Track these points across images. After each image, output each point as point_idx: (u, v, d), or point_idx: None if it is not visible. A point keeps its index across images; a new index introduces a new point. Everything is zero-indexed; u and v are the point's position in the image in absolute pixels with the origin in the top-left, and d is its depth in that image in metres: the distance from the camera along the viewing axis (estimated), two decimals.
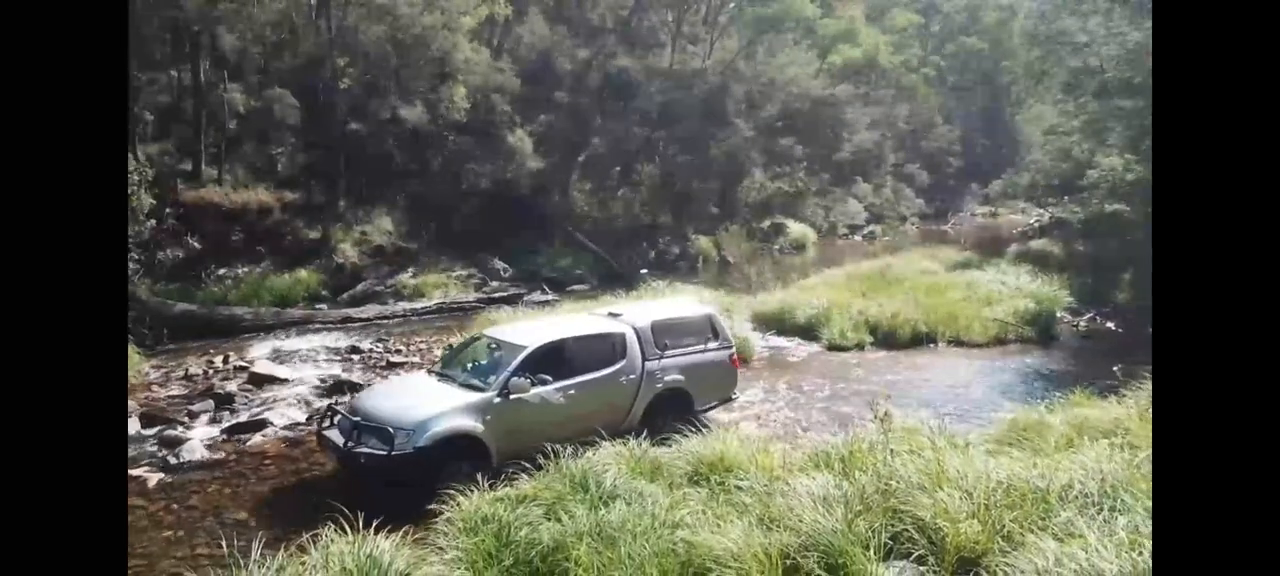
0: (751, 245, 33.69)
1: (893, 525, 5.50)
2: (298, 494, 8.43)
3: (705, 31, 38.42)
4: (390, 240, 23.91)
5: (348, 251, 22.67)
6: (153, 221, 19.85)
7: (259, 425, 10.50)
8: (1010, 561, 4.90)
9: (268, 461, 9.39)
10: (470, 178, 26.06)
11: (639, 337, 9.37)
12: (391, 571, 4.96)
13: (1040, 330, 16.27)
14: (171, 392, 12.41)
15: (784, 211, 38.18)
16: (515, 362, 8.35)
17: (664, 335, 9.62)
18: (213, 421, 10.76)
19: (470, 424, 7.89)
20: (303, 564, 4.88)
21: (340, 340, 16.61)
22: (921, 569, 5.23)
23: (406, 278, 22.61)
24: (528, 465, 7.37)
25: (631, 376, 9.21)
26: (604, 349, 9.21)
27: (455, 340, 12.59)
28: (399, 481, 7.47)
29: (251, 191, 22.55)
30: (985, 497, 5.61)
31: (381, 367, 14.10)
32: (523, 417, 8.16)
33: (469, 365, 9.14)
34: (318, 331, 17.78)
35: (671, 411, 9.13)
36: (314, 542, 5.08)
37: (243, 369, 13.72)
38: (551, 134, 30.02)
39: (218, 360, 14.37)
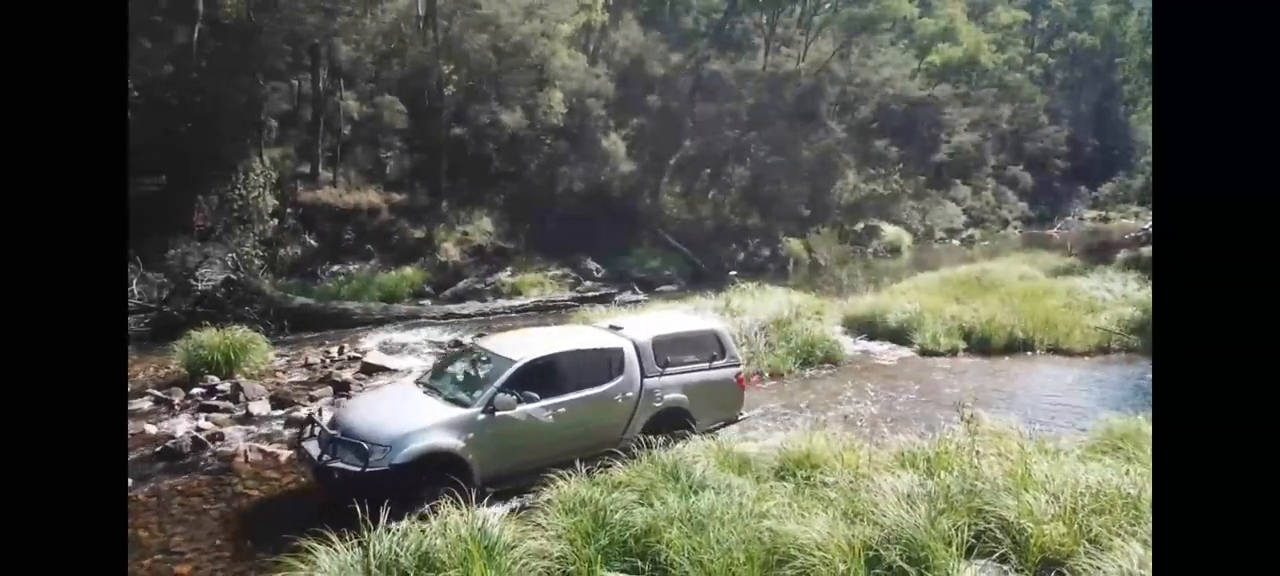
0: (843, 248, 33.37)
1: (976, 524, 5.63)
2: None
3: (799, 33, 38.24)
4: (489, 240, 24.96)
5: (450, 250, 23.80)
6: (275, 220, 21.45)
7: None
8: (1095, 563, 4.98)
9: None
10: (565, 180, 26.89)
11: (638, 353, 8.87)
12: (499, 542, 5.45)
13: (1147, 339, 15.64)
14: (294, 379, 13.44)
15: (878, 214, 37.60)
16: (502, 378, 7.89)
17: (665, 351, 9.11)
18: (332, 405, 11.64)
19: (450, 441, 7.45)
20: (423, 531, 5.43)
21: (443, 334, 17.52)
22: (1004, 567, 5.35)
23: (504, 276, 23.54)
24: (513, 487, 7.55)
25: (628, 394, 8.68)
26: (599, 364, 8.65)
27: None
28: (373, 499, 6.89)
29: (362, 193, 23.98)
30: (1072, 501, 5.67)
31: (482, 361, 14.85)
32: (508, 436, 7.72)
33: (459, 377, 8.60)
34: (422, 326, 18.75)
35: (670, 432, 8.55)
36: (433, 511, 5.65)
37: (355, 359, 14.69)
38: (643, 137, 30.59)
39: (334, 350, 15.41)
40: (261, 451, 9.51)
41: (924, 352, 15.09)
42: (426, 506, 6.81)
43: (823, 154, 32.80)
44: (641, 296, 22.84)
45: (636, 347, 8.89)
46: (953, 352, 15.08)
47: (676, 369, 9.12)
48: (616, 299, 22.12)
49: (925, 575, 5.12)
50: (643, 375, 8.81)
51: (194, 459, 9.36)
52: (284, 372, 13.86)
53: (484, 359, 8.63)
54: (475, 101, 25.91)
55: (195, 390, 12.08)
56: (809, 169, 33.09)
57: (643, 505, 6.27)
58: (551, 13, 25.90)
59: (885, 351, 15.49)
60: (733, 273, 26.46)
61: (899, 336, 15.90)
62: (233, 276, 18.44)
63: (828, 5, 39.21)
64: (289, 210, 22.26)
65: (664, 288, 24.77)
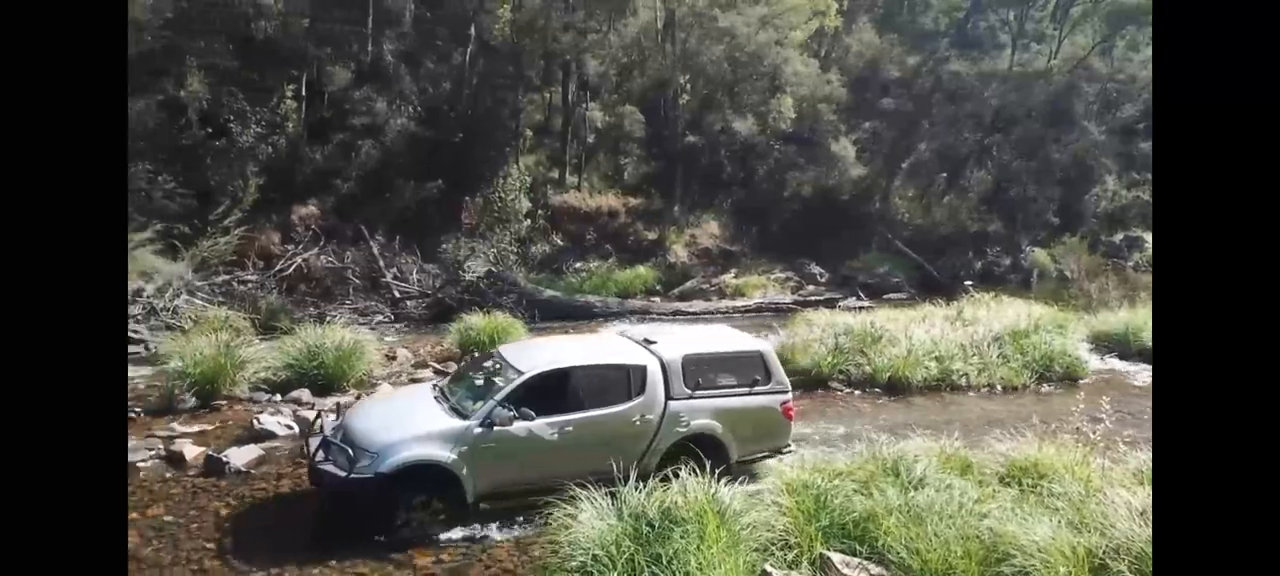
0: (1095, 259, 30.54)
1: None
2: None
3: (1052, 28, 35.47)
4: (716, 243, 25.96)
5: (679, 252, 25.10)
6: (528, 221, 23.88)
7: None
8: None
9: None
10: (792, 184, 27.23)
11: (665, 372, 8.11)
12: (730, 509, 6.14)
13: None
14: None
15: (1142, 223, 33.85)
16: (505, 390, 7.47)
17: (698, 371, 8.29)
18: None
19: (440, 453, 7.10)
20: (665, 493, 6.25)
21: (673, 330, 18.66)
22: None
23: (729, 277, 24.38)
24: (515, 505, 7.37)
25: (648, 416, 7.94)
26: (618, 382, 7.95)
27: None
28: (356, 506, 7.04)
29: (604, 196, 25.99)
30: None
31: None
32: (505, 453, 7.30)
33: (473, 386, 8.03)
34: (653, 321, 20.05)
35: (699, 461, 7.57)
36: (675, 475, 6.48)
37: None
38: (875, 140, 30.08)
39: None
40: None
41: None
42: (409, 517, 6.97)
43: (1078, 157, 30.24)
44: (866, 302, 22.61)
45: (664, 366, 8.14)
46: None
47: (709, 392, 8.29)
48: (840, 304, 22.11)
49: None
50: (668, 396, 8.05)
51: None
52: None
53: (499, 368, 8.05)
54: (709, 110, 27.05)
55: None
56: (1061, 173, 30.66)
57: (862, 494, 6.66)
58: (785, 21, 26.36)
59: (1136, 371, 14.31)
60: (968, 281, 25.27)
61: None
62: (493, 269, 20.95)
63: None
64: (539, 211, 24.67)
65: (892, 294, 24.30)
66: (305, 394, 11.47)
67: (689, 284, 23.84)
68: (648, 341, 8.65)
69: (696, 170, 26.97)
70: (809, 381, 13.01)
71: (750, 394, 8.50)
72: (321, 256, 20.67)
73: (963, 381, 13.08)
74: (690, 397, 8.15)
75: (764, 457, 8.49)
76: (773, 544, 6.11)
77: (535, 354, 8.27)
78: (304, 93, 22.86)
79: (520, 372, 7.66)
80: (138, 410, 10.73)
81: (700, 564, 5.52)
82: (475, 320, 15.05)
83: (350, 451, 7.04)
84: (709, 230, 26.27)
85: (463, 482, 7.17)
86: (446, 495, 7.17)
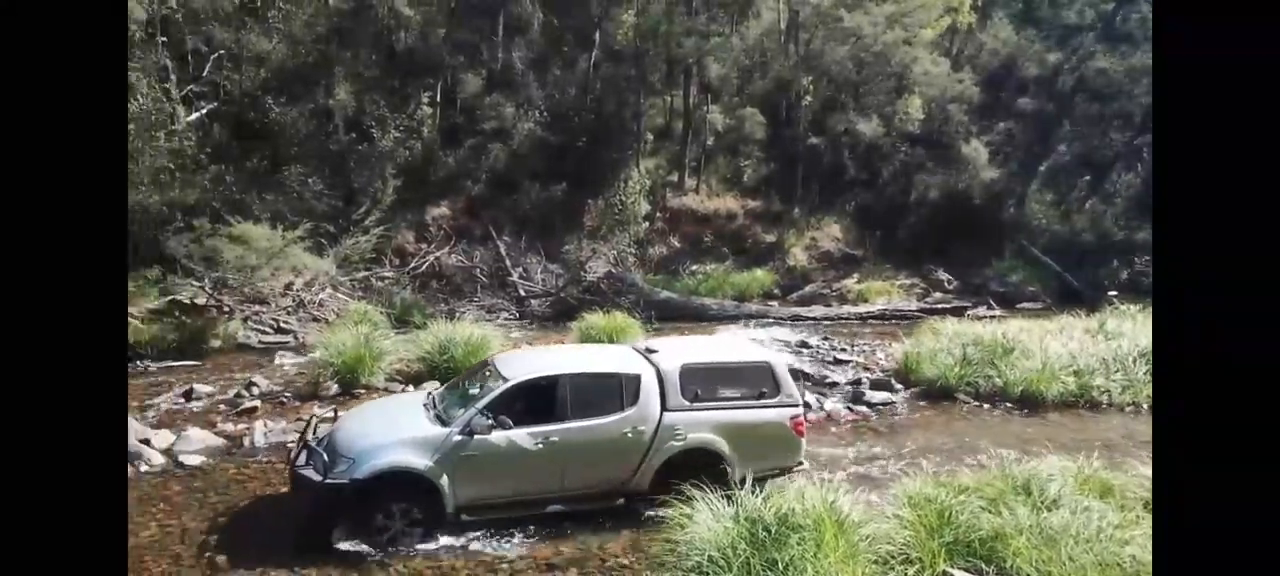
0: None
1: None
2: None
3: None
4: (837, 246, 25.42)
5: (798, 255, 24.74)
6: (646, 223, 24.21)
7: None
8: None
9: None
10: (919, 187, 26.31)
11: (661, 382, 7.74)
12: (848, 517, 6.05)
13: None
14: None
15: None
16: (486, 398, 7.28)
17: (697, 382, 7.87)
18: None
19: (416, 461, 6.96)
20: (782, 498, 6.23)
21: (789, 335, 18.43)
22: None
23: (851, 282, 23.83)
24: (499, 516, 7.17)
25: (640, 428, 7.57)
26: (609, 392, 7.61)
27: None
28: (331, 511, 6.91)
29: (721, 199, 25.96)
30: None
31: (828, 362, 15.43)
32: (484, 463, 7.11)
33: (462, 393, 7.91)
34: (769, 325, 19.89)
35: (697, 477, 7.11)
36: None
37: None
38: (1010, 142, 28.63)
39: None
40: None
41: None
42: (382, 523, 6.84)
43: None
44: (998, 312, 21.58)
45: (660, 375, 7.78)
46: None
47: (709, 404, 7.86)
48: (968, 313, 21.20)
49: None
50: (664, 408, 7.69)
51: None
52: None
53: (489, 376, 7.86)
54: (832, 111, 26.54)
55: None
56: None
57: (990, 512, 6.40)
58: (915, 19, 25.51)
59: None
60: (1112, 292, 23.66)
61: None
62: (613, 270, 21.38)
63: None
64: (658, 214, 24.94)
65: (1026, 304, 23.07)
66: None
67: (808, 288, 23.48)
68: (649, 350, 8.33)
69: (818, 172, 26.52)
70: (934, 392, 12.60)
71: (757, 407, 8.00)
72: (453, 255, 21.72)
73: (1104, 398, 12.25)
74: (688, 409, 7.74)
75: (775, 475, 7.91)
76: (892, 557, 5.97)
77: (525, 362, 8.04)
78: (438, 99, 24.11)
79: (504, 381, 7.46)
80: (287, 395, 11.64)
81: (817, 572, 5.48)
82: (595, 319, 15.41)
83: (326, 457, 6.98)
84: (830, 233, 25.76)
85: (441, 491, 7.01)
86: (425, 504, 7.00)
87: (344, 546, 6.81)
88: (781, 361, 8.60)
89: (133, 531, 7.16)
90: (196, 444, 9.47)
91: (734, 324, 19.81)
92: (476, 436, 7.06)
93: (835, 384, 13.52)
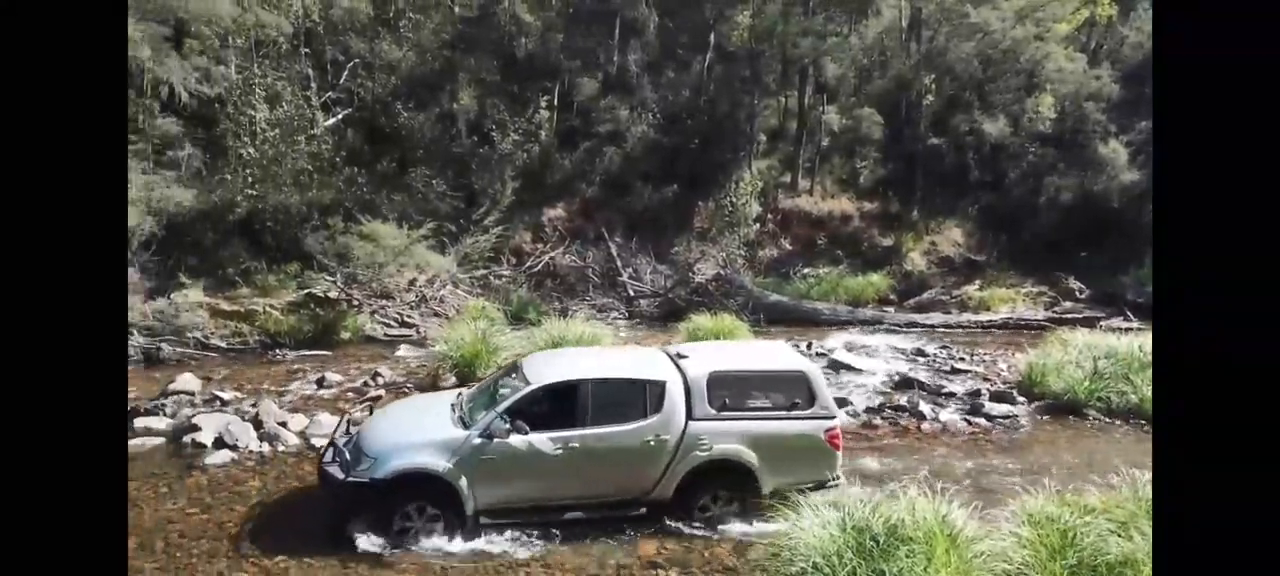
0: None
1: None
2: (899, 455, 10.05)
3: None
4: (959, 251, 24.39)
5: (917, 260, 23.89)
6: (757, 225, 24.00)
7: (840, 403, 12.27)
8: None
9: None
10: (1050, 190, 24.85)
11: (687, 389, 7.56)
12: (963, 533, 5.85)
13: None
14: None
15: None
16: (508, 401, 7.30)
17: (725, 391, 7.64)
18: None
19: (436, 463, 7.03)
20: (892, 508, 6.09)
21: (905, 342, 17.84)
22: None
23: (972, 289, 22.78)
24: (518, 521, 7.17)
25: (663, 437, 7.42)
26: (633, 398, 7.49)
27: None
28: (352, 509, 7.11)
29: (836, 200, 25.40)
30: None
31: (945, 372, 14.86)
32: (503, 467, 7.13)
33: (489, 395, 7.92)
34: (884, 332, 19.31)
35: (724, 488, 7.43)
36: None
37: (822, 355, 15.89)
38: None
39: (803, 344, 16.87)
40: None
41: None
42: (402, 523, 6.95)
43: None
44: (1134, 323, 20.13)
45: (687, 382, 7.62)
46: None
47: (738, 413, 7.64)
48: (1101, 323, 19.90)
49: None
50: (689, 416, 7.53)
51: None
52: None
53: (516, 377, 7.89)
54: (956, 110, 25.48)
55: None
56: None
57: (1119, 536, 6.04)
58: (1048, 13, 24.15)
59: None
60: None
61: None
62: (722, 272, 21.33)
63: None
64: (769, 215, 24.67)
65: None
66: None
67: (927, 294, 22.63)
68: (679, 356, 8.16)
69: (938, 173, 25.49)
70: (1060, 407, 11.95)
71: (789, 418, 7.75)
72: (567, 255, 22.26)
73: None
74: (715, 419, 7.56)
75: (810, 490, 7.42)
76: None
77: (553, 365, 8.02)
78: (556, 102, 24.77)
79: (528, 384, 7.49)
80: (410, 385, 12.30)
81: None
82: (703, 320, 15.45)
83: (348, 455, 7.20)
84: (951, 237, 24.73)
85: (460, 493, 7.07)
86: (445, 505, 7.10)
87: (364, 544, 6.99)
88: (817, 371, 8.36)
89: (267, 498, 7.76)
90: (327, 428, 10.14)
91: (846, 329, 19.37)
92: (496, 440, 7.11)
93: (952, 394, 13.04)
